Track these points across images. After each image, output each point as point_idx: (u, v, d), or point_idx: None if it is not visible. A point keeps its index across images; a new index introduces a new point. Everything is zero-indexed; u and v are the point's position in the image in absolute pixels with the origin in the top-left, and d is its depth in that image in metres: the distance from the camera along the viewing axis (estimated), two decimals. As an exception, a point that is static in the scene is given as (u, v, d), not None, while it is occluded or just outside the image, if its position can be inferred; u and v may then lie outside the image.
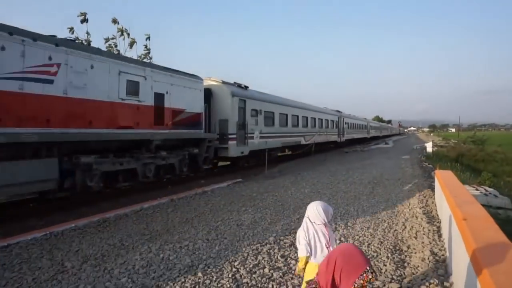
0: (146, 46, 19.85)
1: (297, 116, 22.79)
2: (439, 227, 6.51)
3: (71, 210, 9.02)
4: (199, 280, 4.38)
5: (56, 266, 4.88)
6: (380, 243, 5.70)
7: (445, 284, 4.24)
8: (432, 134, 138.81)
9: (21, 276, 4.57)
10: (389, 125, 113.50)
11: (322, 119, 28.02)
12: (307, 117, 24.62)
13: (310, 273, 3.07)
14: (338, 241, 5.81)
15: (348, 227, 6.55)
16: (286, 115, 21.18)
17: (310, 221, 3.20)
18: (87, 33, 17.56)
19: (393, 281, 4.37)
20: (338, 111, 34.77)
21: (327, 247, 3.11)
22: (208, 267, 4.76)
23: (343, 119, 35.19)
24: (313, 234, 3.14)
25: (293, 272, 4.62)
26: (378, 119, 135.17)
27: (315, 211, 3.19)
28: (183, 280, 4.39)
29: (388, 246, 5.54)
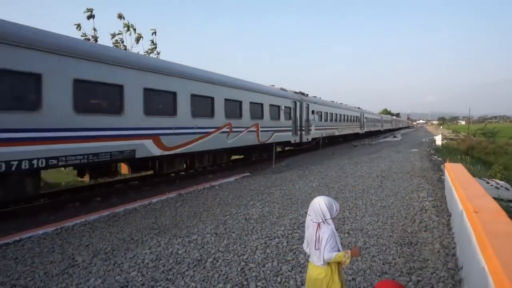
0: (152, 41, 19.91)
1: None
2: (449, 221, 6.45)
3: (82, 205, 9.14)
4: (208, 273, 4.41)
5: (67, 260, 4.95)
6: (389, 236, 5.67)
7: (456, 277, 4.20)
8: (441, 127, 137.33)
9: (33, 270, 4.65)
10: (399, 118, 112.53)
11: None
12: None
13: None
14: (342, 238, 5.80)
15: (357, 221, 6.52)
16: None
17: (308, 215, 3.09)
18: (94, 29, 17.64)
19: (402, 274, 4.35)
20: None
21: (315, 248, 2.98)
22: (217, 261, 4.79)
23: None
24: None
25: (301, 265, 4.62)
26: (386, 112, 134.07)
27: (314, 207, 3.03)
28: (192, 273, 4.42)
29: (397, 240, 5.51)
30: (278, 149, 22.14)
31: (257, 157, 18.14)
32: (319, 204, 2.99)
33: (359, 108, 42.74)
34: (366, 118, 44.53)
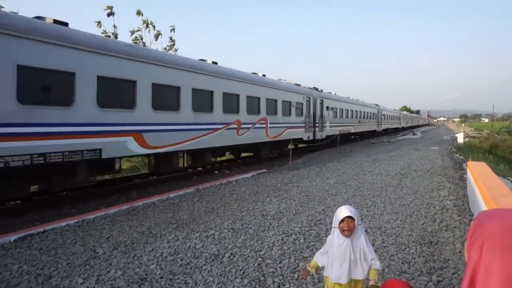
0: (171, 38, 20.11)
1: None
2: (471, 220, 6.29)
3: (102, 199, 9.35)
4: (226, 268, 4.44)
5: (89, 252, 5.08)
6: (408, 235, 5.57)
7: (478, 278, 4.10)
8: (463, 125, 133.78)
9: (57, 260, 4.79)
10: (418, 115, 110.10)
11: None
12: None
13: None
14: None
15: (375, 219, 6.44)
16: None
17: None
18: (114, 26, 17.94)
19: (422, 274, 4.27)
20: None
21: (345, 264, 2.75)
22: (234, 256, 4.82)
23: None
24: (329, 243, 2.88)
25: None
26: (406, 109, 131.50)
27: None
28: (209, 268, 4.47)
29: (416, 239, 5.41)
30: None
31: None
32: (353, 209, 2.85)
33: (376, 104, 41.59)
34: (383, 115, 43.63)
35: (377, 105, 41.67)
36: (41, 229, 6.07)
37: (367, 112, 35.41)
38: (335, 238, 2.80)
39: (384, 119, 44.44)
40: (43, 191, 8.97)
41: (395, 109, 62.60)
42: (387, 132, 46.98)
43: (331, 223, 6.19)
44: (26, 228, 6.41)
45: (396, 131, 53.36)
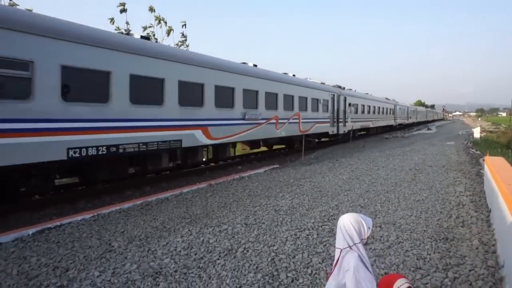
0: (182, 34, 20.17)
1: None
2: (488, 216, 6.16)
3: (116, 194, 9.49)
4: (239, 263, 4.46)
5: (104, 246, 5.16)
6: (423, 231, 5.50)
7: (496, 276, 4.02)
8: (479, 119, 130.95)
9: (74, 253, 4.89)
10: (433, 110, 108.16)
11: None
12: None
13: None
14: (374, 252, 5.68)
15: (389, 214, 6.37)
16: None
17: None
18: (127, 23, 18.08)
19: (437, 270, 4.21)
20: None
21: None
22: (247, 251, 4.83)
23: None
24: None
25: (332, 258, 4.57)
26: (420, 103, 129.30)
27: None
28: (223, 262, 4.49)
29: (432, 235, 5.33)
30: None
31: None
32: (344, 224, 2.36)
33: (393, 100, 43.34)
34: (399, 109, 45.01)
35: (393, 100, 43.43)
36: (58, 223, 6.20)
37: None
38: (365, 252, 2.34)
39: (400, 114, 45.70)
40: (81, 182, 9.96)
41: (411, 105, 65.56)
42: (403, 126, 48.37)
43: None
44: (44, 222, 6.55)
45: (412, 125, 55.15)
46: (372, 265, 4.31)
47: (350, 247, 2.30)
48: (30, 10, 8.43)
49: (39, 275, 4.24)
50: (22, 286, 4.01)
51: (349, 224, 2.34)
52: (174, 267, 4.38)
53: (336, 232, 2.46)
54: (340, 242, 2.35)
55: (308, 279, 4.03)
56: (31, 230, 5.82)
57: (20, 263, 4.57)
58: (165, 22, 19.14)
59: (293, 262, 4.46)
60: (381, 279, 2.44)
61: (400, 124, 45.19)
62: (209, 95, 11.74)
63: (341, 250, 2.32)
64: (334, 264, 2.36)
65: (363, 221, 2.37)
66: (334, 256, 4.55)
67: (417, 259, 4.51)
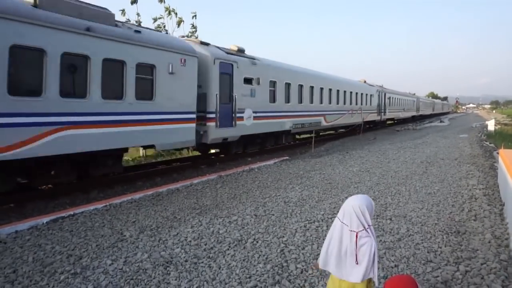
0: (192, 25, 20.12)
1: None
2: (502, 210, 6.07)
3: (128, 184, 9.61)
4: (249, 253, 4.50)
5: (116, 235, 5.25)
6: (434, 224, 5.45)
7: (509, 270, 3.97)
8: (494, 111, 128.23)
9: (87, 242, 4.99)
10: (445, 102, 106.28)
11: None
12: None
13: None
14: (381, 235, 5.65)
15: (400, 207, 6.32)
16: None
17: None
18: (138, 14, 18.11)
19: (448, 263, 4.18)
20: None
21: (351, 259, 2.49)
22: (257, 242, 4.86)
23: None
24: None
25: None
26: (433, 95, 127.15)
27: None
28: (233, 253, 4.53)
29: (443, 228, 5.28)
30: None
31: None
32: (359, 207, 2.47)
33: (414, 94, 51.30)
34: (421, 102, 52.52)
35: (415, 94, 50.77)
36: (71, 212, 6.32)
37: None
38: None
39: (421, 106, 52.17)
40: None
41: (426, 97, 73.18)
42: (423, 117, 54.30)
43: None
44: (58, 211, 6.68)
45: (430, 116, 60.90)
46: (382, 258, 4.32)
47: (365, 229, 2.44)
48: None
49: (53, 263, 4.35)
50: (37, 272, 4.11)
51: (364, 206, 2.46)
52: (184, 257, 4.44)
53: (342, 215, 2.56)
54: (354, 225, 2.45)
55: (318, 270, 4.04)
56: (45, 219, 5.95)
57: (36, 251, 4.68)
58: (176, 13, 19.12)
59: (303, 254, 4.47)
60: (386, 282, 2.43)
61: (421, 115, 51.93)
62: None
63: (357, 233, 2.43)
64: (354, 248, 2.45)
65: (372, 202, 2.55)
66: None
67: (428, 252, 4.48)
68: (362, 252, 2.43)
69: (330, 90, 20.09)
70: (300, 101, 16.87)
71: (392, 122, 38.24)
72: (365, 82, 28.62)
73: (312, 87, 17.95)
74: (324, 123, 19.37)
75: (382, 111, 30.98)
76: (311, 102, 17.97)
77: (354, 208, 2.47)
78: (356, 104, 24.28)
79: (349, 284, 2.51)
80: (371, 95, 27.60)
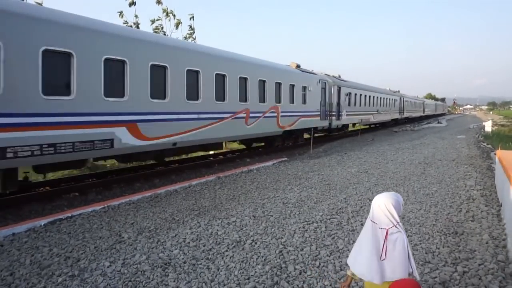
0: (190, 26, 20.11)
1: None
2: (499, 211, 6.09)
3: (126, 186, 9.59)
4: (247, 255, 4.49)
5: (114, 237, 5.24)
6: (432, 225, 5.46)
7: (506, 270, 3.98)
8: (491, 112, 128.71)
9: (84, 244, 4.97)
10: (441, 103, 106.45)
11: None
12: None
13: None
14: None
15: (398, 208, 6.33)
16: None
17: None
18: (136, 16, 18.09)
19: (446, 264, 4.19)
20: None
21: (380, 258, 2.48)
22: (256, 243, 4.86)
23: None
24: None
25: (340, 251, 4.58)
26: (431, 96, 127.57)
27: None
28: (231, 254, 4.53)
29: (441, 229, 5.29)
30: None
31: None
32: (385, 204, 2.47)
33: (398, 91, 41.44)
34: (406, 101, 43.36)
35: (398, 92, 41.47)
36: (69, 214, 6.29)
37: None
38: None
39: (407, 106, 43.68)
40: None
41: (421, 98, 63.35)
42: (409, 120, 46.69)
43: (353, 211, 6.14)
44: (55, 213, 6.65)
45: (419, 119, 53.31)
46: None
47: (395, 225, 2.45)
48: (40, 4, 8.48)
49: (51, 265, 4.33)
50: (35, 275, 4.10)
51: (389, 203, 2.46)
52: (183, 258, 4.43)
53: (372, 214, 2.54)
54: (384, 222, 2.46)
55: (316, 272, 4.04)
56: (43, 221, 5.92)
57: (33, 253, 4.66)
58: (174, 15, 19.10)
59: (301, 255, 4.47)
60: (389, 286, 2.43)
61: (406, 118, 43.56)
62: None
63: (387, 230, 2.44)
64: (381, 246, 2.45)
65: (399, 199, 2.52)
66: (342, 247, 4.56)
67: (426, 253, 4.49)
68: (397, 248, 2.44)
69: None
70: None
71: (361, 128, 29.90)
72: (298, 67, 18.20)
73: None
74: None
75: (334, 113, 20.96)
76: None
77: (381, 206, 2.48)
78: (264, 101, 14.12)
79: (386, 285, 2.46)
80: (304, 88, 17.40)
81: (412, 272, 2.48)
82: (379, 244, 2.47)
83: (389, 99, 34.85)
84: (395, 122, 38.23)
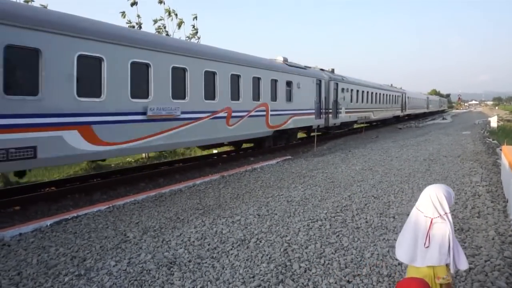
0: (193, 26, 20.10)
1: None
2: (505, 207, 6.05)
3: (131, 186, 9.64)
4: (252, 253, 4.50)
5: (120, 236, 5.27)
6: (438, 222, 5.43)
7: (513, 266, 3.96)
8: (497, 108, 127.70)
9: (90, 243, 5.00)
10: (442, 98, 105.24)
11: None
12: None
13: None
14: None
15: (403, 205, 6.31)
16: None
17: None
18: (138, 16, 18.11)
19: (452, 261, 4.16)
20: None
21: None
22: (260, 241, 4.86)
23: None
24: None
25: (345, 248, 4.57)
26: (435, 92, 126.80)
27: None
28: (236, 253, 4.54)
29: (447, 226, 5.26)
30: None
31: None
32: (436, 194, 2.46)
33: (401, 88, 40.66)
34: (430, 100, 48.35)
35: (401, 88, 40.79)
36: (75, 214, 6.34)
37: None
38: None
39: (409, 103, 42.44)
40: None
41: (425, 94, 62.24)
42: (412, 117, 45.32)
43: (357, 209, 6.12)
44: (61, 214, 6.70)
45: (423, 115, 51.93)
46: (385, 256, 4.30)
47: (441, 215, 2.42)
48: (45, 7, 8.51)
49: (57, 264, 4.36)
50: (42, 274, 4.13)
51: (441, 194, 2.44)
52: (188, 257, 4.44)
53: (419, 203, 2.54)
54: (429, 211, 2.44)
55: (321, 269, 4.04)
56: (49, 221, 5.97)
57: (40, 253, 4.70)
58: (176, 15, 19.09)
59: (306, 253, 4.47)
60: (397, 284, 2.43)
61: (409, 115, 42.32)
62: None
63: (432, 219, 2.43)
64: (425, 234, 2.44)
65: (450, 191, 2.51)
66: (347, 244, 4.55)
67: (432, 250, 4.46)
68: (436, 236, 2.43)
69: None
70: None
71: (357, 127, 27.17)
72: (285, 61, 16.59)
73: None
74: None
75: (331, 111, 19.72)
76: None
77: (431, 195, 2.48)
78: (239, 98, 12.41)
79: (428, 269, 2.47)
80: (290, 83, 15.75)
81: (450, 264, 2.46)
82: (420, 231, 2.48)
83: (391, 95, 33.60)
84: (397, 119, 37.31)
